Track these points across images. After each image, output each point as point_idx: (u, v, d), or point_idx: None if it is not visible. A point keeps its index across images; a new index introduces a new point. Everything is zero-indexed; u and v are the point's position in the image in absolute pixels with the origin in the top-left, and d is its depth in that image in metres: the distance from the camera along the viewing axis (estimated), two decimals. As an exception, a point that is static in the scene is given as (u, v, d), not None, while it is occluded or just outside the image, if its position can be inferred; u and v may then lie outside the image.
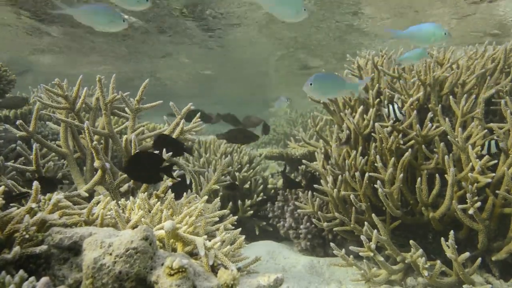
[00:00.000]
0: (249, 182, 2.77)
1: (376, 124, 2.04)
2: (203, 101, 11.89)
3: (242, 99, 12.51)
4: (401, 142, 2.04)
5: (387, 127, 2.07)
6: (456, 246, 1.66)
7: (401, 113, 1.94)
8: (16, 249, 1.01)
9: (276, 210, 2.67)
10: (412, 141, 2.03)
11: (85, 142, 1.99)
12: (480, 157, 1.82)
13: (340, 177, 2.11)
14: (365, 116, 2.19)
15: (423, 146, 1.98)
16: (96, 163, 1.70)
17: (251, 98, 12.06)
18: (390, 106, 1.94)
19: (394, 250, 1.91)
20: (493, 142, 1.77)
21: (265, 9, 1.90)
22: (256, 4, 2.05)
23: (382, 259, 1.84)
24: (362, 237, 1.86)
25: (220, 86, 10.12)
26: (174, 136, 1.90)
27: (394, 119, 1.97)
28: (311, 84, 1.66)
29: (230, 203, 2.68)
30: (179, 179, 1.71)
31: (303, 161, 2.38)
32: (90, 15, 1.56)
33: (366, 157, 2.12)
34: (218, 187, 1.98)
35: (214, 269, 1.24)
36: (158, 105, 1.94)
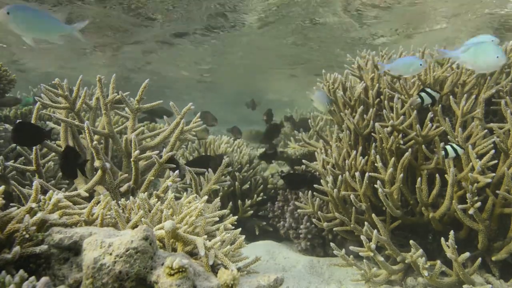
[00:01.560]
0: (249, 182, 2.78)
1: (376, 124, 2.04)
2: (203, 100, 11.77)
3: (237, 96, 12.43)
4: (401, 142, 2.04)
5: (387, 127, 2.07)
6: (456, 246, 1.66)
7: (436, 91, 1.94)
8: (16, 249, 1.02)
9: (276, 210, 2.67)
10: (412, 141, 2.03)
11: (85, 142, 1.99)
12: (480, 157, 1.82)
13: (340, 177, 2.11)
14: (365, 116, 2.19)
15: (423, 146, 1.98)
16: (96, 163, 1.70)
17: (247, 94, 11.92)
18: (422, 93, 1.93)
19: (394, 250, 1.91)
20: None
21: (468, 67, 1.93)
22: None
23: (382, 259, 1.84)
24: (362, 237, 1.86)
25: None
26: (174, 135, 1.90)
27: (431, 101, 1.93)
28: (8, 13, 1.35)
29: (230, 203, 2.68)
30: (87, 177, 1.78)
31: (303, 161, 2.38)
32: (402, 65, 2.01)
33: (366, 157, 2.12)
34: (218, 187, 1.98)
35: (214, 269, 1.24)
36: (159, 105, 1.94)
